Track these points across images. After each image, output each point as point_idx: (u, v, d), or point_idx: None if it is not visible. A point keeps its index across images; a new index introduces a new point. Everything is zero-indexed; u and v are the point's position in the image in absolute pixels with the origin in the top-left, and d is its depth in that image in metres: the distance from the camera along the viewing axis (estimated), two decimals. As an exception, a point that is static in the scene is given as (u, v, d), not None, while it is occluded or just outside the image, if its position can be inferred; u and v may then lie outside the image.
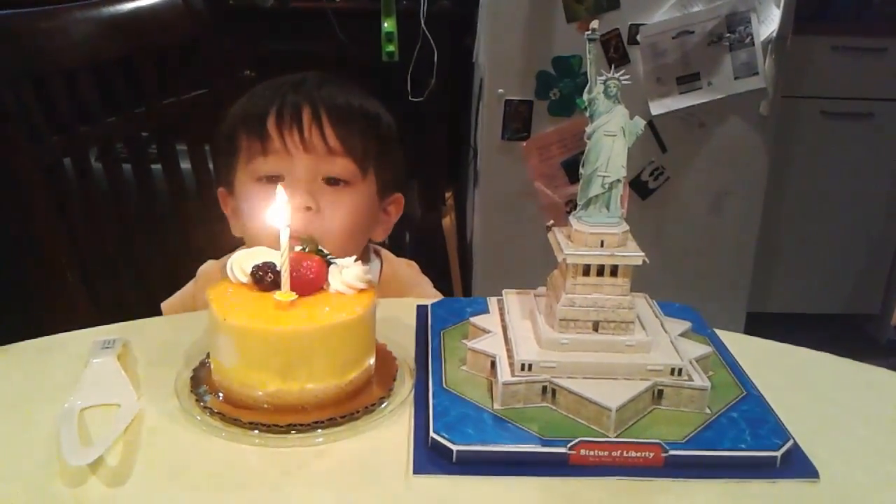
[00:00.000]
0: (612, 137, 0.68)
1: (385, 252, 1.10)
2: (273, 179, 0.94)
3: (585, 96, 0.69)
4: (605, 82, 0.68)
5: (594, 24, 0.68)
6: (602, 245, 0.70)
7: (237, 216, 1.02)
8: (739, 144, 2.22)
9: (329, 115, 0.93)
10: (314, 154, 0.93)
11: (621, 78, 0.68)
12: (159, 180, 1.35)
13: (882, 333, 2.57)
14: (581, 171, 0.71)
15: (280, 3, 2.25)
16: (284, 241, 0.68)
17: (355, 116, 0.96)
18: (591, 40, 0.68)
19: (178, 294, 1.09)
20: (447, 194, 2.49)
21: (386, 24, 2.19)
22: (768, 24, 2.09)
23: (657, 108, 2.14)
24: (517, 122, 2.17)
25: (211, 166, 1.44)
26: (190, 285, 1.08)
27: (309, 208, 0.92)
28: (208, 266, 1.07)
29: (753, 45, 2.11)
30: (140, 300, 1.24)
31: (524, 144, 2.17)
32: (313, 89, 0.96)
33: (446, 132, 2.42)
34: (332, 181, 0.94)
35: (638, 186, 2.21)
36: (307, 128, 0.92)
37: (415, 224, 2.30)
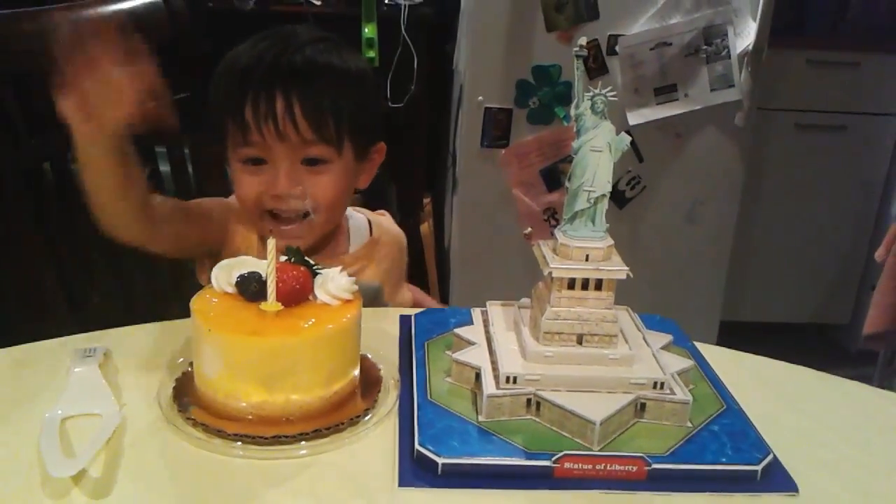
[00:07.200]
0: (598, 153, 0.69)
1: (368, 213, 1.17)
2: (257, 161, 0.99)
3: (572, 112, 0.69)
4: (592, 98, 0.68)
5: (581, 40, 0.69)
6: (587, 259, 0.70)
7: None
8: (715, 155, 2.24)
9: (302, 107, 0.97)
10: (290, 143, 0.97)
11: (608, 94, 0.68)
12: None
13: (852, 343, 2.60)
14: (566, 185, 0.72)
15: (260, 7, 2.24)
16: (271, 251, 0.67)
17: (327, 98, 0.98)
18: (578, 57, 0.69)
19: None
20: (425, 200, 2.49)
21: (366, 30, 2.18)
22: (744, 37, 2.12)
23: (635, 118, 2.15)
24: (496, 129, 2.17)
25: (190, 169, 1.43)
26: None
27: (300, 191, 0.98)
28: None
29: (730, 57, 2.13)
30: (118, 305, 1.22)
31: (503, 152, 2.18)
32: (284, 58, 0.99)
33: (425, 138, 2.42)
34: (310, 161, 1.00)
35: (615, 196, 2.23)
36: (281, 120, 0.96)
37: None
